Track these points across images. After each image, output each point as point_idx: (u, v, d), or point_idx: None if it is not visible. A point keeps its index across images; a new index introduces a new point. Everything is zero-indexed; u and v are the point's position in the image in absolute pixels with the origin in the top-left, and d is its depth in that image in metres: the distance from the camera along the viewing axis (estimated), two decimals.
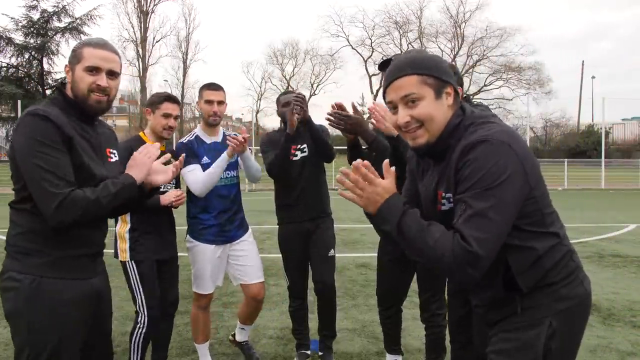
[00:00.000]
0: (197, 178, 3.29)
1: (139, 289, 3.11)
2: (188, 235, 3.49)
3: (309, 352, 3.79)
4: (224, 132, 3.56)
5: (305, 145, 3.60)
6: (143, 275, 3.11)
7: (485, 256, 1.53)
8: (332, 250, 3.68)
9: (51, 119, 1.86)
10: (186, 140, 3.47)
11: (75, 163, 1.92)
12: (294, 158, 3.58)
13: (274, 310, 4.97)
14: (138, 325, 3.13)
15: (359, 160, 1.63)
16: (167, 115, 3.19)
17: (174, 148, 3.51)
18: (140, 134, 3.30)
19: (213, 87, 3.43)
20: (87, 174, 1.95)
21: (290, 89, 46.27)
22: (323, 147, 3.57)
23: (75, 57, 1.99)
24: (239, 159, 3.49)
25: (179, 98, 47.72)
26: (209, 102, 3.38)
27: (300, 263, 3.69)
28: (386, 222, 1.62)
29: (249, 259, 3.54)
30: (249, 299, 3.62)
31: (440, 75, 1.68)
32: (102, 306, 2.13)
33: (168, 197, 3.14)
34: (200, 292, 3.50)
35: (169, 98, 3.26)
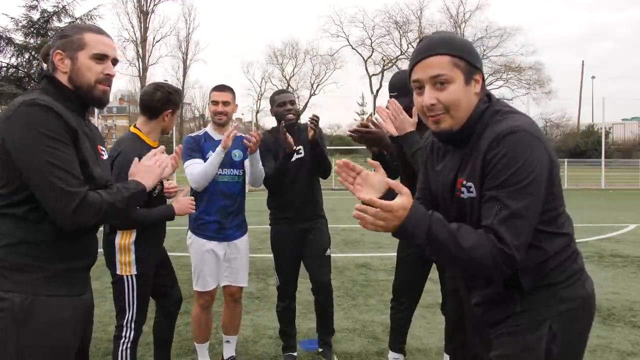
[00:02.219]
0: (195, 171, 3.33)
1: (132, 304, 2.87)
2: (189, 232, 3.50)
3: (295, 354, 3.78)
4: None
5: (301, 147, 3.59)
6: (141, 291, 2.89)
7: (520, 255, 1.52)
8: (327, 250, 3.68)
9: (54, 109, 1.65)
10: (194, 134, 3.56)
11: (79, 160, 1.72)
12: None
13: (274, 310, 4.93)
14: (123, 340, 2.88)
15: (360, 206, 1.51)
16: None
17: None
18: (139, 133, 2.95)
19: (218, 88, 3.51)
20: (88, 174, 1.75)
21: (289, 88, 46.26)
22: (322, 163, 3.62)
23: (75, 43, 1.78)
24: (246, 160, 3.49)
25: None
26: (214, 102, 3.47)
27: (292, 262, 3.68)
28: (415, 237, 1.53)
29: (240, 262, 3.54)
30: (227, 299, 3.63)
31: (472, 60, 1.61)
32: (89, 325, 1.95)
33: (185, 206, 2.98)
34: (200, 289, 3.47)
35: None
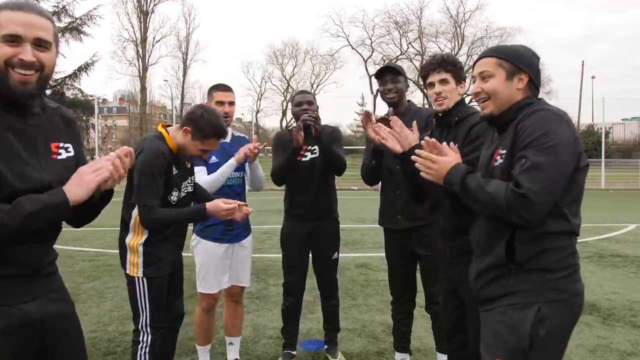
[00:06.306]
0: (203, 181, 3.20)
1: (145, 307, 2.74)
2: (194, 234, 3.44)
3: (294, 352, 3.79)
4: (232, 133, 3.52)
5: (316, 147, 3.55)
6: (154, 294, 2.75)
7: (537, 201, 1.71)
8: (335, 254, 3.70)
9: None
10: None
11: None
12: (304, 159, 3.57)
13: (274, 310, 4.96)
14: (140, 345, 2.74)
15: (426, 141, 2.04)
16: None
17: None
18: (163, 132, 2.74)
19: (223, 88, 3.40)
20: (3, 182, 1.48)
21: (289, 88, 46.29)
22: (334, 161, 3.54)
23: None
24: (246, 163, 3.45)
25: (179, 98, 46.69)
26: (220, 103, 3.33)
27: (300, 259, 3.68)
28: (453, 185, 1.92)
29: (245, 263, 3.53)
30: (227, 299, 3.59)
31: (517, 62, 1.96)
32: (55, 335, 1.68)
33: (219, 208, 2.69)
34: (205, 291, 3.40)
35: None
